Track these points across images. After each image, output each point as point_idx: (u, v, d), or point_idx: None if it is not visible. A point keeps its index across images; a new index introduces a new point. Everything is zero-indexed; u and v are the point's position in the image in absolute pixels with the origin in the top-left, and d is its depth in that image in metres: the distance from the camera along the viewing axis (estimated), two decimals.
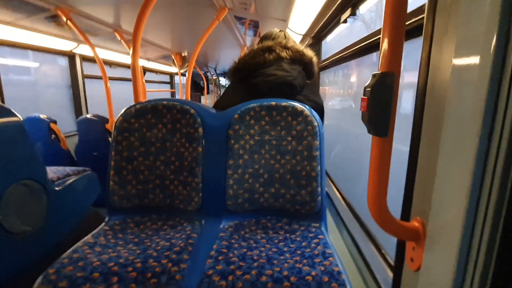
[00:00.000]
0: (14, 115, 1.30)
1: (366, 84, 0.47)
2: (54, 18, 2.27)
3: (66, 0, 1.92)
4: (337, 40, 1.97)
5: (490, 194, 0.37)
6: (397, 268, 0.60)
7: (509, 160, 0.35)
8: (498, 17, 0.34)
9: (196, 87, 9.61)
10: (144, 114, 1.16)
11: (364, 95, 0.48)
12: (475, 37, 0.38)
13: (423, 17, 0.53)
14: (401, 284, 0.59)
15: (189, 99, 3.19)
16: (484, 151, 0.36)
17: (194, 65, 2.94)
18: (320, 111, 1.25)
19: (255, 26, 2.70)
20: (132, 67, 1.47)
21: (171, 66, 5.91)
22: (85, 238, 0.95)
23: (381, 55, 0.46)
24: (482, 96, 0.36)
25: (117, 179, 1.13)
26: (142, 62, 4.95)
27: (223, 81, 11.69)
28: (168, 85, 7.28)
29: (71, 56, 3.32)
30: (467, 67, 0.39)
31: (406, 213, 0.57)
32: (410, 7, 0.70)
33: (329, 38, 2.11)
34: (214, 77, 10.17)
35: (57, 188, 1.56)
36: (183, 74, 6.12)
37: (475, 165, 0.37)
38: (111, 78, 3.33)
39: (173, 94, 7.24)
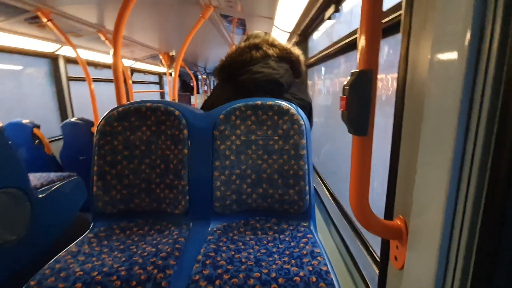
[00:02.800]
0: None
1: (345, 83, 0.47)
2: (34, 20, 2.21)
3: (46, 0, 1.86)
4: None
5: (468, 191, 0.36)
6: (382, 267, 0.60)
7: (486, 156, 0.35)
8: (472, 13, 0.34)
9: (186, 87, 9.52)
10: (127, 116, 1.13)
11: (343, 94, 0.47)
12: (452, 33, 0.37)
13: (400, 14, 0.53)
14: (386, 283, 0.59)
15: (176, 99, 3.14)
16: (461, 147, 0.36)
17: (182, 64, 2.91)
18: (308, 109, 1.25)
19: (242, 24, 2.68)
20: (114, 67, 1.43)
21: (159, 66, 5.83)
22: (68, 247, 0.92)
23: (359, 53, 0.45)
24: (458, 91, 0.35)
25: (101, 185, 1.10)
26: (129, 63, 4.87)
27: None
28: (157, 86, 7.18)
29: (54, 58, 3.23)
30: (443, 62, 0.39)
31: (389, 212, 0.57)
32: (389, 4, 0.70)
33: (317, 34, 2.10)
34: (204, 77, 10.09)
35: (41, 196, 1.52)
36: (171, 74, 6.04)
37: (453, 162, 0.37)
38: (95, 80, 3.25)
39: (162, 94, 7.15)
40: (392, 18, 0.70)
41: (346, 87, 0.46)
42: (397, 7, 0.68)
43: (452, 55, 0.37)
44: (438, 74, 0.40)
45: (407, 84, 0.50)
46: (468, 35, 0.34)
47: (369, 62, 0.44)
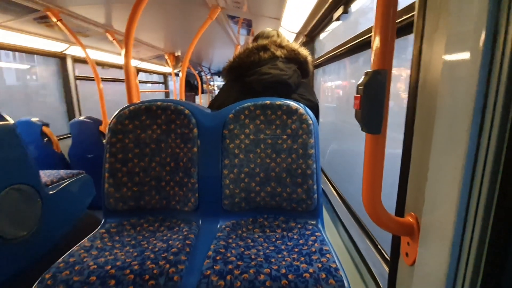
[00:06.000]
0: (5, 119, 1.28)
1: (359, 82, 0.48)
2: (43, 19, 2.24)
3: (56, 0, 1.89)
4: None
5: (481, 188, 0.37)
6: (393, 263, 0.61)
7: (499, 155, 0.36)
8: (486, 14, 0.35)
9: (190, 87, 9.56)
10: (138, 115, 1.15)
11: (357, 93, 0.48)
12: (465, 34, 0.38)
13: (414, 15, 0.54)
14: (396, 279, 0.60)
15: (183, 99, 3.17)
16: (475, 146, 0.37)
17: (188, 64, 2.93)
18: (315, 110, 1.26)
19: (248, 25, 2.70)
20: (125, 67, 1.45)
21: (164, 66, 5.87)
22: (81, 241, 0.94)
23: (373, 53, 0.46)
24: (472, 92, 0.36)
25: (112, 182, 1.12)
26: (135, 63, 4.91)
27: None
28: (162, 86, 7.23)
29: (62, 58, 3.27)
30: (457, 63, 0.40)
31: (400, 209, 0.58)
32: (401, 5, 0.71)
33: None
34: (209, 77, 10.12)
35: (51, 192, 1.54)
36: (176, 74, 6.08)
37: (466, 160, 0.38)
38: (103, 80, 3.29)
39: (167, 94, 7.19)
40: (405, 19, 0.71)
41: (360, 87, 0.47)
42: (410, 8, 0.69)
43: (466, 56, 0.38)
44: (451, 74, 0.41)
45: (420, 84, 0.51)
46: (482, 36, 0.35)
47: (383, 62, 0.45)
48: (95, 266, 0.80)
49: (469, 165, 0.38)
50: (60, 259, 0.84)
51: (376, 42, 0.45)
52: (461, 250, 0.40)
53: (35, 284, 0.76)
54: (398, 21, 0.72)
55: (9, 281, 1.22)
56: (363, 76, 0.47)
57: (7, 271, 1.22)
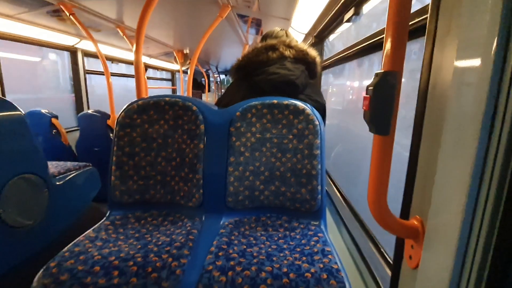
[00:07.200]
0: (16, 109, 1.30)
1: (369, 83, 0.48)
2: (56, 13, 2.28)
3: None
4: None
5: (488, 194, 0.37)
6: (396, 266, 0.61)
7: (507, 161, 0.35)
8: (499, 19, 0.34)
9: (197, 85, 9.61)
10: (146, 110, 1.17)
11: (366, 94, 0.49)
12: (477, 39, 0.38)
13: (426, 17, 0.54)
14: (399, 282, 0.60)
15: (191, 96, 3.19)
16: (484, 151, 0.37)
17: (196, 62, 2.95)
18: (322, 111, 1.26)
19: (257, 24, 2.70)
20: (135, 63, 1.47)
21: (172, 63, 5.91)
22: (86, 232, 0.96)
23: (384, 54, 0.46)
24: (482, 97, 0.36)
25: (119, 174, 1.14)
26: (143, 59, 4.96)
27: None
28: (170, 83, 7.27)
29: (73, 51, 3.32)
30: (468, 68, 0.40)
31: (405, 212, 0.58)
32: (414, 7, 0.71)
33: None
34: (216, 75, 10.16)
35: (58, 183, 1.57)
36: (184, 72, 6.12)
37: (474, 165, 0.37)
38: (113, 74, 3.33)
39: (174, 91, 7.24)
40: (417, 22, 0.71)
41: (369, 87, 0.47)
42: (422, 11, 0.69)
43: (477, 61, 0.38)
44: (462, 79, 0.41)
45: (430, 87, 0.51)
46: (495, 41, 0.35)
47: (394, 64, 0.45)
48: (99, 257, 0.81)
49: (477, 170, 0.38)
50: (65, 248, 0.85)
51: (387, 43, 0.45)
52: (466, 255, 0.40)
53: (40, 272, 0.78)
54: (410, 23, 0.72)
55: (15, 269, 1.24)
56: (374, 77, 0.47)
57: (13, 259, 1.25)
